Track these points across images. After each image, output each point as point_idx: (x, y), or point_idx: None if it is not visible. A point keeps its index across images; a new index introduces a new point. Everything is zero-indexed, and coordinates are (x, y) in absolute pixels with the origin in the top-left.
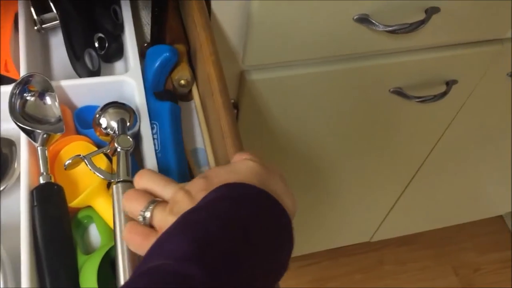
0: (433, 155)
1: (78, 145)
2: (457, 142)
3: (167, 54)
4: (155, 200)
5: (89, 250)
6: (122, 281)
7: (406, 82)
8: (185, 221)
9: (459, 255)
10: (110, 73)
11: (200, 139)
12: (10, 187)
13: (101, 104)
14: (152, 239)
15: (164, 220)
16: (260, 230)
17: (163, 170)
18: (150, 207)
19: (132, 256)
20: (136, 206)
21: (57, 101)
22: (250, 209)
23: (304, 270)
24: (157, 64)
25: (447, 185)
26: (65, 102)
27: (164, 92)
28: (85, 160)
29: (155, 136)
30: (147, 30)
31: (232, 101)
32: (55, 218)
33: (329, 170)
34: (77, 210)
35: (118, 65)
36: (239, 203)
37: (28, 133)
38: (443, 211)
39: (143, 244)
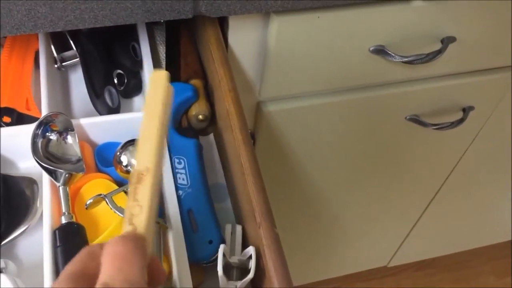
0: (450, 180)
1: (98, 183)
2: (473, 167)
3: (189, 94)
4: None
5: None
6: None
7: (422, 110)
8: None
9: (478, 279)
10: (130, 108)
11: (220, 174)
12: (32, 226)
13: (122, 141)
14: None
15: None
16: None
17: (193, 204)
18: None
19: None
20: None
21: (77, 140)
22: None
23: None
24: (178, 102)
25: (464, 209)
26: (85, 140)
27: (187, 129)
28: (106, 199)
29: (183, 171)
30: (164, 65)
31: (249, 131)
32: None
33: (345, 197)
34: None
35: (137, 100)
36: None
37: (50, 173)
38: (460, 235)
39: None
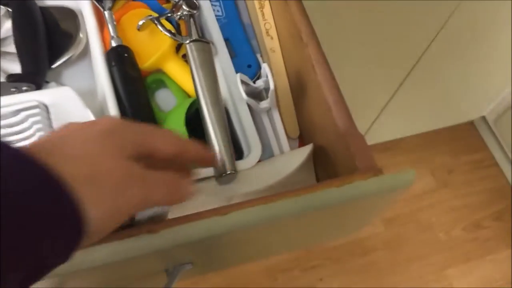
0: (427, 54)
1: (138, 13)
2: (452, 39)
3: None
4: None
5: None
6: (209, 126)
7: None
8: None
9: (436, 158)
10: None
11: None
12: (75, 56)
13: None
14: None
15: None
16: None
17: (229, 34)
18: None
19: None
20: None
21: None
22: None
23: None
24: None
25: (430, 91)
26: None
27: None
28: (156, 22)
29: (216, 3)
30: None
31: None
32: (133, 77)
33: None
34: (145, 75)
35: None
36: None
37: None
38: (423, 117)
39: None
